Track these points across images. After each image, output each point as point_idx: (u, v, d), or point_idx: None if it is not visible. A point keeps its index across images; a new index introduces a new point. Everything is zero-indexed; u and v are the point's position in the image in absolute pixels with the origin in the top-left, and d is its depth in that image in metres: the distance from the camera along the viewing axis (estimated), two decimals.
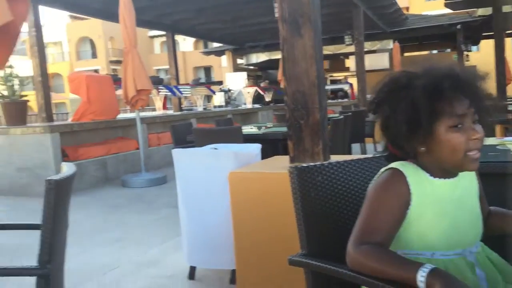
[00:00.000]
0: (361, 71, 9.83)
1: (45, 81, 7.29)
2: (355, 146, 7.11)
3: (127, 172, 7.01)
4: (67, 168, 1.73)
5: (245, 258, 2.47)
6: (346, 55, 16.78)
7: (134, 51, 6.31)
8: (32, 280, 1.48)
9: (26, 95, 6.64)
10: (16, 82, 6.35)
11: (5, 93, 6.27)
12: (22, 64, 14.36)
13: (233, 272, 2.62)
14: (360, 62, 9.86)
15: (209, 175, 2.66)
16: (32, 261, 1.46)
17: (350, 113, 6.41)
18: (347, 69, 17.58)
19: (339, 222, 1.44)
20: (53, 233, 1.48)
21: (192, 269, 2.85)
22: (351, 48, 11.55)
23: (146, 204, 5.29)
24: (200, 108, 12.04)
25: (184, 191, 2.79)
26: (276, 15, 2.59)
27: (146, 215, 4.70)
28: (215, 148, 2.96)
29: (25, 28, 7.51)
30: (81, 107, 7.19)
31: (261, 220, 2.38)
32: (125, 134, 7.71)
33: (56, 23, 37.02)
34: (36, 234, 1.82)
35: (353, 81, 13.51)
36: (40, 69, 7.18)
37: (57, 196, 1.49)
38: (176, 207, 2.94)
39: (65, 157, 6.21)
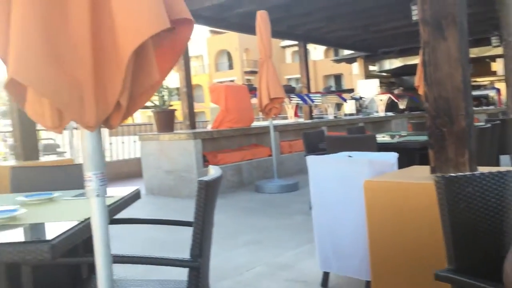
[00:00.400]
0: (511, 75, 8.87)
1: (189, 92, 7.97)
2: (504, 158, 6.43)
3: (260, 178, 7.30)
4: (214, 171, 1.88)
5: (381, 270, 2.40)
6: (493, 58, 15.30)
7: (269, 61, 6.57)
8: (175, 272, 1.64)
9: (172, 105, 7.35)
10: (166, 93, 7.07)
11: (157, 103, 7.01)
12: (169, 77, 15.84)
13: (368, 283, 2.56)
14: (509, 65, 8.90)
15: (344, 182, 2.65)
16: (175, 254, 1.62)
17: (498, 122, 5.83)
18: (493, 73, 16.01)
19: (490, 236, 1.33)
20: (203, 230, 1.62)
21: (326, 276, 2.85)
22: (498, 50, 10.51)
23: (279, 209, 5.44)
24: (330, 116, 12.00)
25: (318, 197, 2.82)
26: (415, 17, 2.49)
27: (279, 220, 4.83)
28: (350, 156, 2.94)
29: None
30: (220, 115, 7.69)
31: (399, 231, 2.30)
32: (259, 141, 8.03)
33: (198, 38, 40.19)
34: (179, 231, 2.02)
35: (501, 86, 12.23)
36: (186, 81, 7.87)
37: (207, 196, 1.62)
38: (308, 214, 2.98)
39: (205, 162, 6.70)
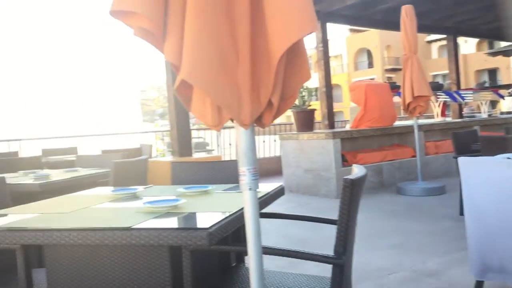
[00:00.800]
0: None
1: (329, 91, 7.98)
2: None
3: (402, 180, 6.98)
4: (358, 170, 1.86)
5: None
6: None
7: (413, 57, 6.25)
8: (314, 270, 1.66)
9: (311, 105, 7.43)
10: (305, 93, 7.18)
11: (297, 103, 7.16)
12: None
13: None
14: None
15: (502, 187, 2.41)
16: (316, 251, 1.64)
17: None
18: None
19: None
20: (347, 228, 1.62)
21: (479, 285, 2.62)
22: None
23: (423, 213, 5.14)
24: (484, 115, 10.93)
25: (472, 202, 2.60)
26: None
27: (424, 225, 4.57)
28: (509, 158, 2.65)
29: (313, 44, 8.41)
30: (360, 115, 7.55)
31: None
32: (401, 141, 7.68)
33: (337, 38, 39.93)
34: (319, 229, 2.04)
35: None
36: (325, 81, 7.90)
37: (352, 194, 1.62)
38: (457, 220, 2.77)
39: (344, 161, 6.64)
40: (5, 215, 1.96)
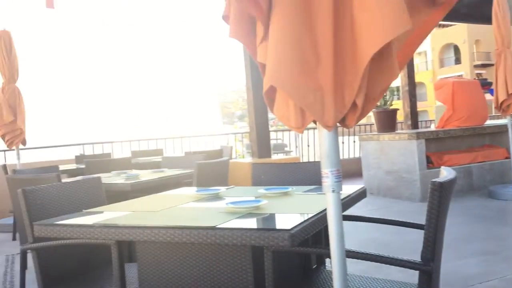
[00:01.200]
0: None
1: (412, 90, 7.66)
2: None
3: (494, 183, 6.51)
4: (446, 173, 1.77)
5: None
6: None
7: (507, 51, 5.82)
8: (396, 275, 1.59)
9: (392, 104, 7.17)
10: (387, 92, 6.95)
11: (378, 103, 6.96)
12: None
13: None
14: None
15: None
16: (400, 256, 1.58)
17: None
18: None
19: None
20: (435, 233, 1.55)
21: None
22: None
23: None
24: None
25: None
26: None
27: None
28: None
29: None
30: (446, 114, 7.16)
31: None
32: (493, 142, 7.17)
33: None
34: (401, 234, 1.96)
35: None
36: (408, 79, 7.59)
37: (440, 198, 1.54)
38: None
39: (429, 163, 6.34)
40: (101, 212, 2.11)
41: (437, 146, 6.66)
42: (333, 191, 1.33)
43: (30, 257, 2.23)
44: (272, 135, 11.59)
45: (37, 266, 2.14)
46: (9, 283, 3.73)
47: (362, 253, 1.54)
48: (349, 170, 9.01)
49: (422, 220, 2.09)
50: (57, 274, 2.22)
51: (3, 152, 7.45)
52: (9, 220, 5.85)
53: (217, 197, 2.34)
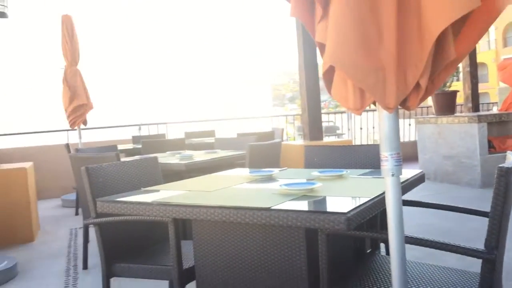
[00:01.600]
0: None
1: (473, 71, 7.27)
2: None
3: None
4: None
5: None
6: None
7: None
8: (451, 263, 1.53)
9: (451, 86, 6.84)
10: None
11: None
12: None
13: None
14: None
15: None
16: (457, 243, 1.52)
17: None
18: None
19: None
20: (501, 220, 1.48)
21: None
22: None
23: None
24: None
25: None
26: None
27: None
28: None
29: None
30: (510, 96, 6.77)
31: None
32: None
33: None
34: (459, 220, 1.87)
35: None
36: (470, 59, 7.21)
37: (507, 184, 1.46)
38: None
39: (490, 148, 6.03)
40: (158, 190, 2.18)
41: (501, 130, 6.32)
42: (392, 175, 1.30)
43: (91, 231, 2.34)
44: (324, 117, 11.45)
45: (100, 240, 2.25)
46: (73, 255, 3.96)
47: (422, 239, 1.50)
48: (404, 153, 8.71)
49: (482, 207, 2.00)
50: (117, 248, 2.32)
51: (66, 131, 7.86)
52: (72, 196, 6.19)
53: (270, 178, 2.35)
